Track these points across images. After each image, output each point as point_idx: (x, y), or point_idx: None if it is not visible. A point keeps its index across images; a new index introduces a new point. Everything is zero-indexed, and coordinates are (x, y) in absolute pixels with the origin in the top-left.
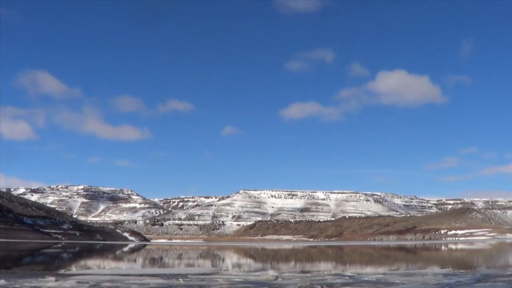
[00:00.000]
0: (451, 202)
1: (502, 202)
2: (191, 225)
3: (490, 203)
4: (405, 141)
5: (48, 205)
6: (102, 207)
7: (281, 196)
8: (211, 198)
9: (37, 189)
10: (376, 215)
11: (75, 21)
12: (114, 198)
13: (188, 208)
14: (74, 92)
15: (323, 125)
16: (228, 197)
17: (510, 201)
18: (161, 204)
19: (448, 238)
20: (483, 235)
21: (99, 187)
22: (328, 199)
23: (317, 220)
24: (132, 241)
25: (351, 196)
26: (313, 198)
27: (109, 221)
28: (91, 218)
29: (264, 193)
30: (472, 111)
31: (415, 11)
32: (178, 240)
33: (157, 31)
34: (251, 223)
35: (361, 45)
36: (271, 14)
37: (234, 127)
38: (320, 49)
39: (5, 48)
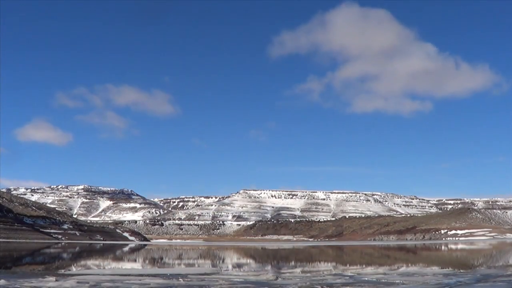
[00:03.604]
0: (451, 202)
1: (502, 202)
2: (191, 225)
3: (490, 203)
4: (405, 141)
5: (48, 205)
6: (102, 207)
7: (281, 196)
8: (211, 198)
9: (37, 189)
10: (376, 215)
11: (74, 21)
12: (114, 198)
13: (188, 208)
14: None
15: (323, 123)
16: (228, 197)
17: (510, 201)
18: (161, 204)
19: (448, 238)
20: (483, 235)
21: (99, 187)
22: (328, 199)
23: (317, 220)
24: (132, 241)
25: (351, 196)
26: (313, 198)
27: (109, 221)
28: (91, 218)
29: (264, 193)
30: (471, 111)
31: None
32: (178, 240)
33: (155, 31)
34: (251, 223)
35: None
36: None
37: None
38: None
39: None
